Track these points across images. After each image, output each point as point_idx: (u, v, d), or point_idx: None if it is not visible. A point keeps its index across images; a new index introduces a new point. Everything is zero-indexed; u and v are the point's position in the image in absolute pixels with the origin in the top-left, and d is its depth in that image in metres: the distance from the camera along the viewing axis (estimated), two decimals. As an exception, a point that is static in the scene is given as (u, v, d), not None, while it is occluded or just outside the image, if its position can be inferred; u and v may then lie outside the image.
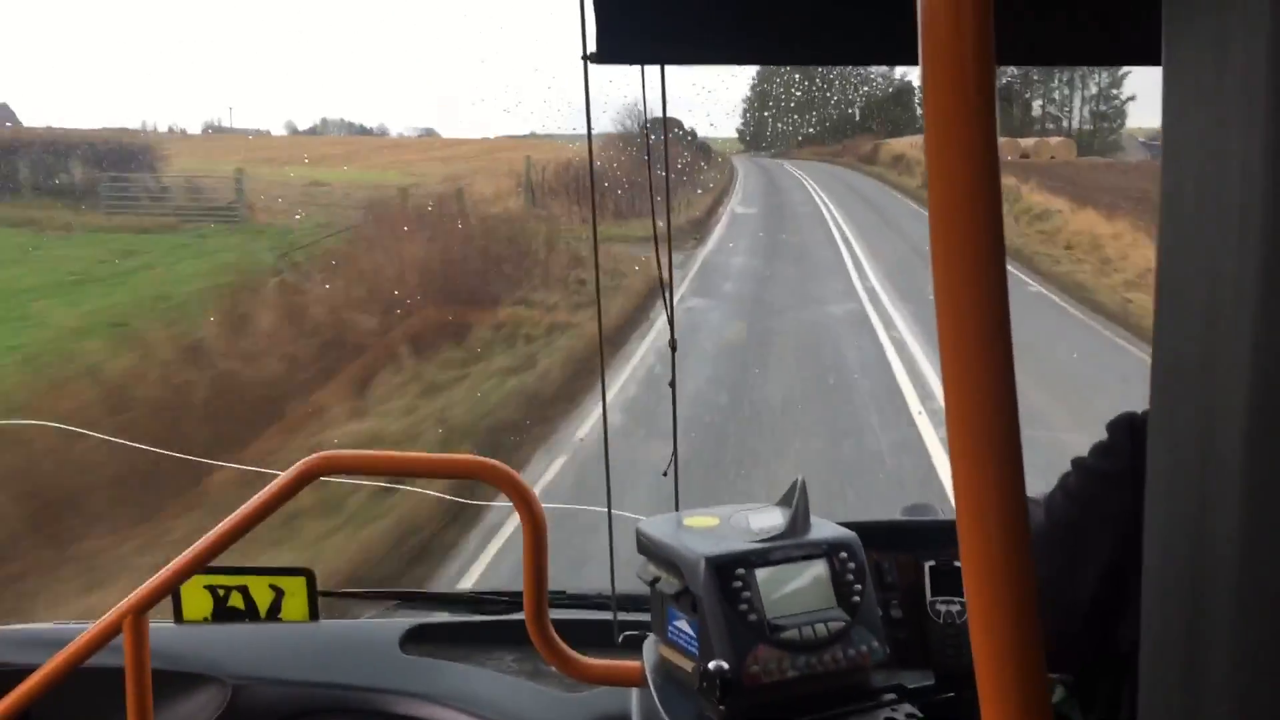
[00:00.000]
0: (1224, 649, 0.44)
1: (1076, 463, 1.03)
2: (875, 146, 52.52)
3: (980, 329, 0.47)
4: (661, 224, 1.29)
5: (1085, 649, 1.04)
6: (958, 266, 0.47)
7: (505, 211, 22.25)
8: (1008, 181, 28.17)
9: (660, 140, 1.34)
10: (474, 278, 13.20)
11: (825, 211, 28.49)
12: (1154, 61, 0.48)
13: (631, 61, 1.17)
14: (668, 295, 1.33)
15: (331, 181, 25.43)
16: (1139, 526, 0.56)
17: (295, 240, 16.34)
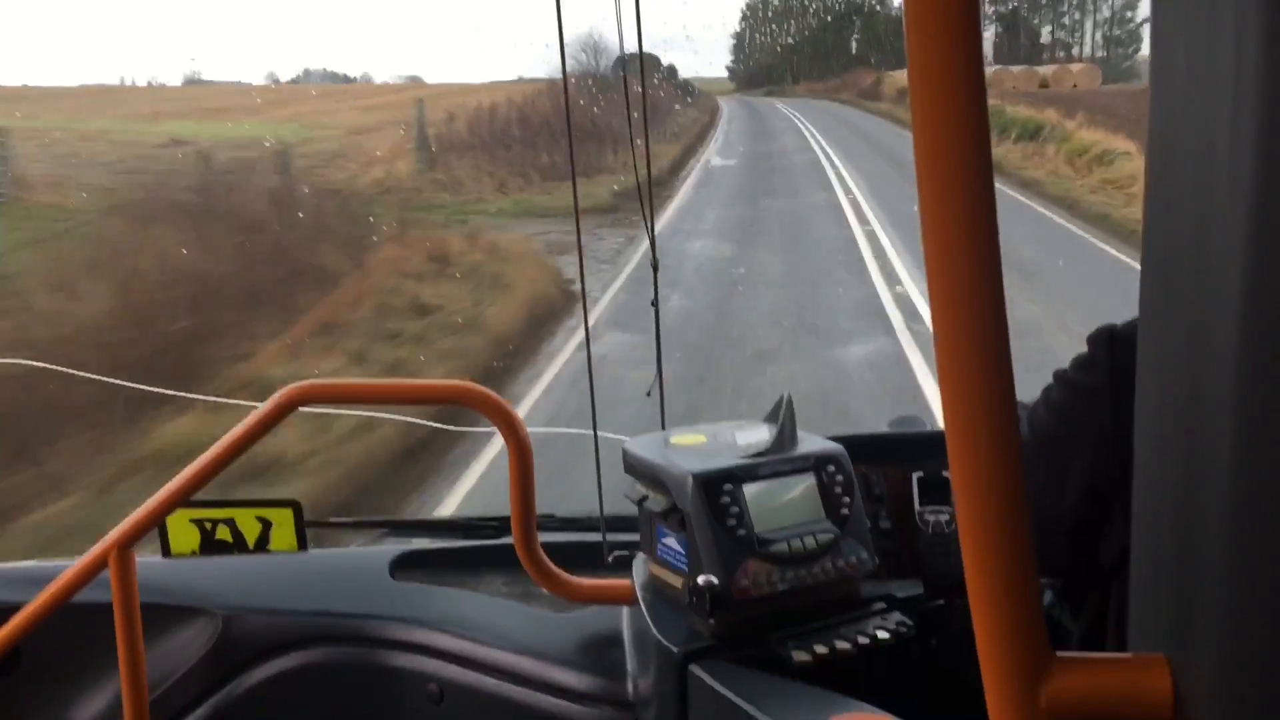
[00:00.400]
0: (1216, 558, 0.53)
1: (1058, 375, 1.27)
2: (877, 80, 54.74)
3: (966, 234, 0.56)
4: (640, 143, 1.65)
5: (1068, 563, 1.29)
6: (942, 179, 0.56)
7: (386, 178, 20.52)
8: (1047, 115, 27.07)
9: (635, 72, 1.67)
10: (198, 314, 9.88)
11: (825, 163, 26.94)
12: None
13: None
14: (648, 214, 1.70)
15: (198, 139, 24.55)
16: (1120, 440, 0.75)
17: (57, 230, 14.65)
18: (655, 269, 1.71)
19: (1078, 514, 1.23)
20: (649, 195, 1.68)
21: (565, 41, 1.58)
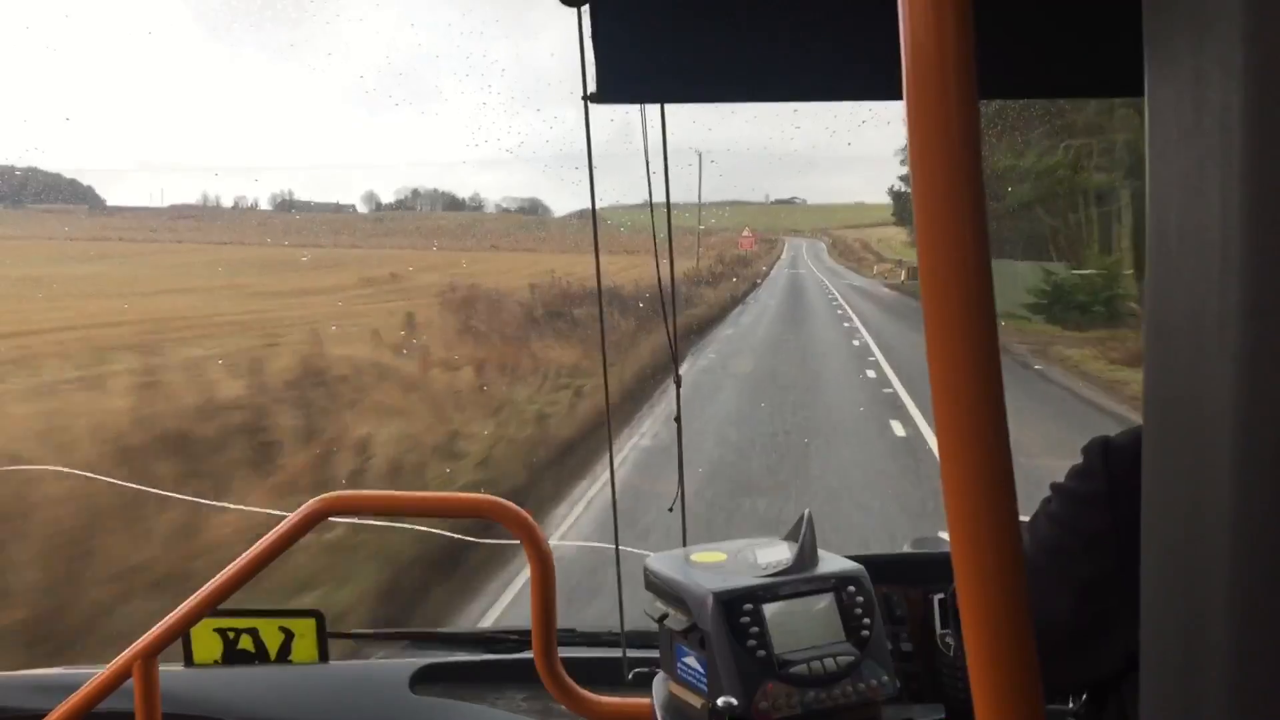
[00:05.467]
0: (1220, 662, 0.54)
1: (1055, 487, 1.29)
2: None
3: (971, 367, 0.58)
4: (665, 263, 1.67)
5: (1074, 671, 1.29)
6: (947, 308, 0.58)
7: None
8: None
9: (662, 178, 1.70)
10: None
11: None
12: (1137, 93, 0.62)
13: (632, 100, 1.52)
14: (670, 322, 1.71)
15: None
16: (1118, 544, 0.82)
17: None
18: (678, 384, 1.72)
19: (1081, 621, 1.23)
20: (672, 308, 1.68)
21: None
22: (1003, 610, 0.61)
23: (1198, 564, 0.55)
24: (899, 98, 0.59)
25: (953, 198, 0.57)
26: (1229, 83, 0.51)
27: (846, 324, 28.89)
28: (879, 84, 1.35)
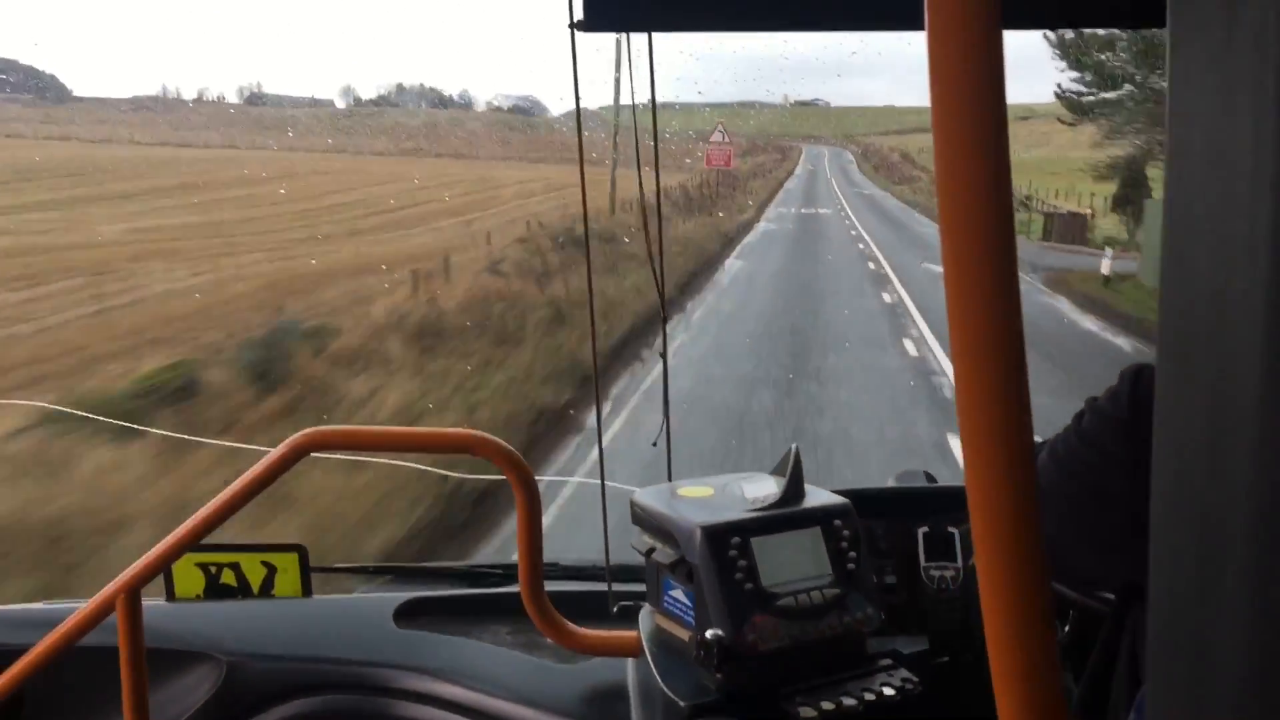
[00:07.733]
0: (1236, 602, 0.53)
1: (1089, 402, 1.30)
2: None
3: (989, 296, 0.57)
4: (651, 198, 1.65)
5: (1065, 582, 1.34)
6: (964, 232, 0.56)
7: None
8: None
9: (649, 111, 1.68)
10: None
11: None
12: (1160, 23, 0.63)
13: (620, 29, 1.49)
14: (657, 267, 1.69)
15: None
16: (1133, 472, 0.81)
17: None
18: (664, 322, 1.72)
19: (1088, 539, 1.26)
20: (659, 248, 1.67)
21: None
22: (1018, 544, 0.60)
23: (1213, 497, 0.54)
24: (919, 27, 0.56)
25: (976, 133, 0.56)
26: (1266, 2, 0.48)
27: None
28: (897, 11, 1.31)
